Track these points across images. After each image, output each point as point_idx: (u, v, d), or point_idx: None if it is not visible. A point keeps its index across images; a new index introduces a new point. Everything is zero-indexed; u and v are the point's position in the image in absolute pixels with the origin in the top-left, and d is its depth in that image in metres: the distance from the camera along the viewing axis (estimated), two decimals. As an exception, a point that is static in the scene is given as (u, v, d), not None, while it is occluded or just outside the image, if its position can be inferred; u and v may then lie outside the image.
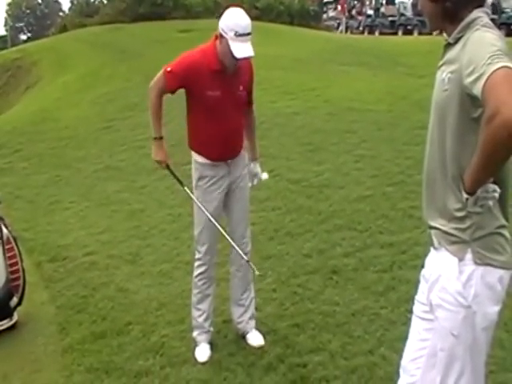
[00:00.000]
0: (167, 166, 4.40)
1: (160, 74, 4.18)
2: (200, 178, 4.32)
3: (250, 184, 4.56)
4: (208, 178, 4.29)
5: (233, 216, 4.45)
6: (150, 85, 4.22)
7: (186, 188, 4.38)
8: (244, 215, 4.51)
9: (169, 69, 4.11)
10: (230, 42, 3.93)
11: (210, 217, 4.26)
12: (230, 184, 4.36)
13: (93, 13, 30.37)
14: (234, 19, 3.98)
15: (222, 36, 3.98)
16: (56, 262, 6.43)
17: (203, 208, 4.26)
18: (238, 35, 3.92)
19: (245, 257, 4.37)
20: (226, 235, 4.36)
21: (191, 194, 4.35)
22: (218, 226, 4.31)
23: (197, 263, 4.48)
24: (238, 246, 4.37)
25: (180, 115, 7.92)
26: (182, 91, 4.18)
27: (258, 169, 4.61)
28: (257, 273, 4.35)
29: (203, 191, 4.31)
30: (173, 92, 4.19)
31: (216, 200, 4.31)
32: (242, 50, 3.94)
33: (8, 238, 5.09)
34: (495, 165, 2.23)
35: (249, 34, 3.97)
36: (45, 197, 8.97)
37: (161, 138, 4.31)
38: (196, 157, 4.33)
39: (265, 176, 4.67)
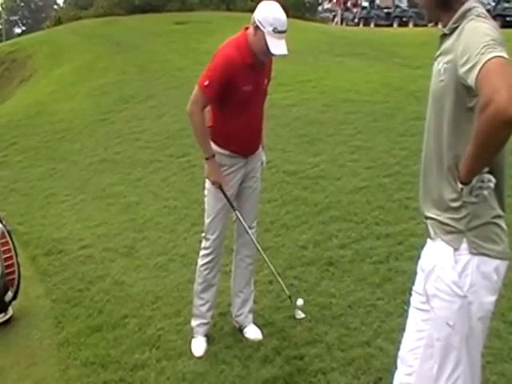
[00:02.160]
0: (220, 187, 4.25)
1: (196, 92, 4.04)
2: None
3: None
4: (226, 167, 4.26)
5: (244, 206, 4.43)
6: (188, 108, 4.08)
7: (237, 212, 4.34)
8: (254, 207, 4.53)
9: (206, 83, 3.98)
10: (268, 37, 3.86)
11: (239, 215, 4.31)
12: (245, 174, 4.35)
13: (88, 5, 30.30)
14: (274, 14, 3.90)
15: (257, 28, 3.90)
16: (51, 256, 6.41)
17: (241, 218, 4.31)
18: (277, 31, 3.86)
19: (274, 270, 4.60)
20: (246, 226, 4.37)
21: (241, 218, 4.33)
22: (241, 218, 4.34)
23: (203, 252, 4.43)
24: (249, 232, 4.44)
25: (175, 108, 7.91)
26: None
27: (264, 157, 4.59)
28: (298, 316, 4.59)
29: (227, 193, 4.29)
30: (214, 101, 4.11)
31: (232, 189, 4.29)
32: (278, 46, 3.88)
33: (3, 232, 5.07)
34: (489, 154, 2.22)
35: (285, 31, 3.92)
36: (40, 190, 8.95)
37: (213, 156, 4.19)
38: (215, 147, 4.25)
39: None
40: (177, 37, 18.52)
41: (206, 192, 4.39)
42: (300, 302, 4.61)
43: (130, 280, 5.64)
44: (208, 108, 4.19)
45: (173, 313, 4.96)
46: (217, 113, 4.22)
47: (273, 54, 3.94)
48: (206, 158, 4.19)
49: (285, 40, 3.93)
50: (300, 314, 4.58)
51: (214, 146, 4.25)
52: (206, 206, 4.41)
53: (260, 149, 4.44)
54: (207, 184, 4.34)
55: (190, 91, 4.17)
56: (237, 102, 4.10)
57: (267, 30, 3.86)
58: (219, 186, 4.23)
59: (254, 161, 4.39)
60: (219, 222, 4.36)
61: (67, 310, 5.20)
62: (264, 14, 3.90)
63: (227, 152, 4.24)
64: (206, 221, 4.41)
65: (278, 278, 4.62)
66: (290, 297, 4.56)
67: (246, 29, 4.05)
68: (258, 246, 4.48)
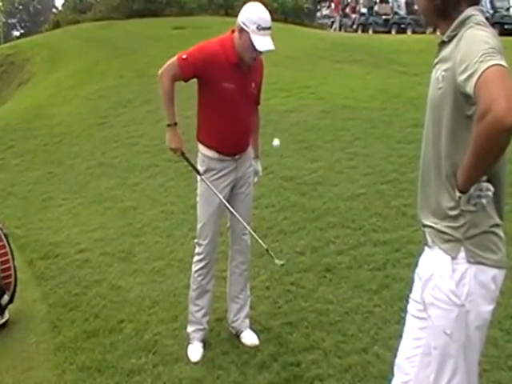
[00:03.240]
0: (182, 154, 4.30)
1: (173, 60, 4.10)
2: (206, 171, 4.29)
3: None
4: (215, 172, 4.27)
5: (237, 211, 4.41)
6: (160, 71, 4.14)
7: (203, 177, 4.30)
8: (247, 211, 4.51)
9: (184, 56, 4.05)
10: (252, 36, 3.91)
11: (223, 199, 4.25)
12: (235, 179, 4.35)
13: (86, 9, 30.23)
14: (256, 13, 3.97)
15: (242, 30, 3.96)
16: (48, 260, 6.40)
17: (217, 192, 4.23)
18: (261, 29, 3.91)
19: (264, 245, 4.39)
20: (241, 220, 4.33)
21: (207, 182, 4.27)
22: (233, 210, 4.31)
23: (196, 258, 4.45)
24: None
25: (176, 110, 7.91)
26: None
27: (259, 167, 4.63)
28: (277, 261, 4.32)
29: (209, 184, 4.29)
30: (186, 80, 4.14)
31: (222, 193, 4.28)
32: (263, 43, 3.93)
33: (0, 236, 5.07)
34: (487, 162, 2.23)
35: (270, 27, 3.97)
36: (37, 194, 8.93)
37: (175, 124, 4.22)
38: (204, 150, 4.30)
39: (276, 143, 4.74)
40: (175, 41, 18.46)
41: (197, 198, 4.40)
42: (276, 142, 4.62)
43: (127, 285, 5.63)
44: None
45: (169, 318, 4.95)
46: (201, 110, 4.28)
47: (259, 51, 3.97)
48: (168, 125, 4.23)
49: (270, 37, 3.97)
50: (279, 261, 4.40)
51: (202, 149, 4.30)
52: (198, 211, 4.42)
53: (249, 152, 4.44)
54: (199, 190, 4.36)
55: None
56: (218, 99, 4.14)
57: (251, 28, 3.92)
58: (182, 154, 4.28)
59: (244, 166, 4.39)
60: (211, 227, 4.36)
61: (64, 315, 5.19)
62: (246, 14, 3.98)
63: (216, 155, 4.25)
64: (198, 226, 4.42)
65: (253, 234, 4.45)
66: (267, 250, 4.41)
67: (233, 31, 4.09)
68: (255, 236, 4.40)
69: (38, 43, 23.78)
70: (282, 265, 4.63)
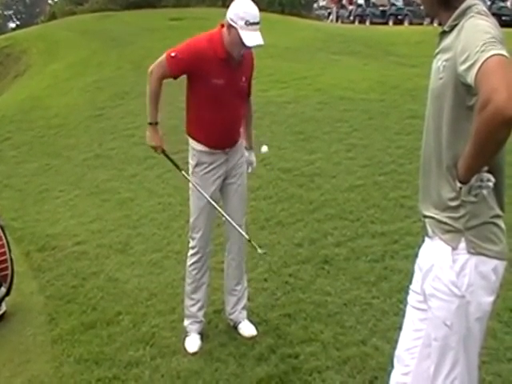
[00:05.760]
0: (163, 151, 4.34)
1: (162, 58, 4.09)
2: (197, 165, 4.29)
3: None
4: (205, 165, 4.26)
5: (230, 203, 4.42)
6: (150, 68, 4.12)
7: (183, 172, 4.32)
8: (241, 203, 4.50)
9: (173, 54, 4.03)
10: (241, 31, 3.87)
11: (210, 199, 4.24)
12: (227, 171, 4.34)
13: (82, 0, 30.10)
14: (244, 8, 3.92)
15: (230, 26, 3.92)
16: (45, 252, 6.39)
17: (202, 191, 4.22)
18: (249, 24, 3.87)
19: (246, 236, 4.36)
20: (226, 216, 4.32)
21: (189, 178, 4.29)
22: (217, 207, 4.29)
23: (191, 252, 4.44)
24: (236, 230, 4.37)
25: (170, 104, 7.87)
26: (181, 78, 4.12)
27: (253, 157, 4.61)
28: (259, 251, 4.28)
29: (200, 177, 4.28)
30: (175, 77, 4.13)
31: (213, 186, 4.28)
32: (252, 38, 3.90)
33: (-4, 228, 5.06)
34: (488, 153, 2.21)
35: (258, 22, 3.93)
36: (34, 186, 8.92)
37: (156, 123, 4.24)
38: (194, 144, 4.30)
39: (264, 149, 4.71)
40: (172, 33, 18.41)
41: (190, 191, 4.38)
42: (264, 148, 4.57)
43: (124, 277, 5.62)
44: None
45: (167, 310, 4.94)
46: (190, 105, 4.26)
47: (248, 47, 3.94)
48: (150, 123, 4.24)
49: (260, 32, 3.93)
50: (261, 250, 4.34)
51: (192, 142, 4.30)
52: (191, 204, 4.42)
53: (240, 144, 4.42)
54: (190, 184, 4.34)
55: (186, 88, 4.18)
56: (208, 95, 4.11)
57: (239, 24, 3.88)
58: (162, 151, 4.31)
59: (235, 157, 4.38)
60: (203, 220, 4.35)
61: (61, 307, 5.18)
62: (234, 10, 3.93)
63: (206, 148, 4.24)
64: (191, 219, 4.42)
65: (233, 223, 4.37)
66: (249, 240, 4.38)
67: (222, 26, 4.05)
68: (238, 228, 4.35)
69: (35, 35, 23.72)
70: (265, 253, 4.61)
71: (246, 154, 4.54)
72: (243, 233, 4.35)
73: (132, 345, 4.47)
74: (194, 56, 4.04)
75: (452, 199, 2.42)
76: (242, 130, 4.43)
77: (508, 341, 4.17)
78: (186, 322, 4.51)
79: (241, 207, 4.49)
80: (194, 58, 4.03)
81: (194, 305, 4.48)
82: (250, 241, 4.37)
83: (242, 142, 4.47)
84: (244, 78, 4.25)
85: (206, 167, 4.26)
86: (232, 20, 3.91)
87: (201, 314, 4.50)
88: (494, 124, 2.05)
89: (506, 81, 2.05)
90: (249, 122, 4.55)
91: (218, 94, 4.09)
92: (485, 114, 2.06)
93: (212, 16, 21.28)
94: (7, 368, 4.39)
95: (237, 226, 4.34)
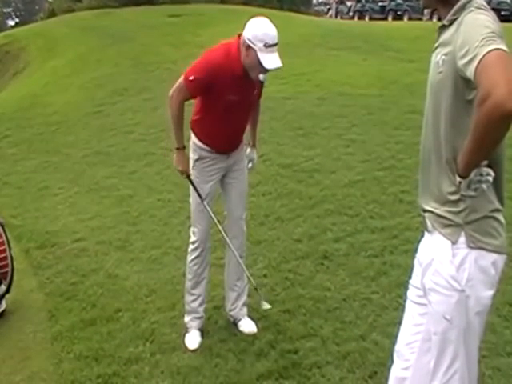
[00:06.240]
0: (188, 177, 4.31)
1: (181, 82, 4.04)
2: (198, 159, 4.30)
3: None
4: (206, 160, 4.28)
5: (231, 198, 4.44)
6: (170, 93, 4.10)
7: (205, 202, 4.29)
8: (242, 198, 4.51)
9: (191, 78, 3.97)
10: (260, 54, 3.82)
11: (212, 214, 4.30)
12: (227, 167, 4.36)
13: (81, -3, 30.15)
14: (263, 29, 3.87)
15: (249, 47, 3.87)
16: (45, 249, 6.38)
17: (208, 209, 4.28)
18: (268, 46, 3.83)
19: (253, 281, 4.46)
20: (227, 239, 4.41)
21: (208, 208, 4.29)
22: (220, 227, 4.38)
23: (191, 247, 4.45)
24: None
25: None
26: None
27: (255, 154, 4.62)
28: (264, 307, 4.35)
29: (200, 170, 4.29)
30: (195, 98, 4.15)
31: (213, 180, 4.31)
32: (271, 60, 3.86)
33: (-4, 225, 5.06)
34: (488, 147, 2.20)
35: (277, 44, 3.89)
36: (33, 183, 8.91)
37: (184, 147, 4.22)
38: (196, 140, 4.30)
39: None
40: (171, 29, 18.45)
41: (191, 187, 4.39)
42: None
43: (124, 273, 5.62)
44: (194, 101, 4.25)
45: (167, 306, 4.94)
46: (201, 113, 4.25)
47: (267, 70, 3.90)
48: (177, 148, 4.21)
49: (277, 53, 3.89)
50: (266, 305, 4.38)
51: (195, 138, 4.30)
52: (191, 199, 4.44)
53: (242, 145, 4.44)
54: (192, 177, 4.34)
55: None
56: (220, 109, 4.11)
57: (258, 46, 3.83)
58: (187, 176, 4.29)
59: (236, 154, 4.39)
60: (203, 215, 4.35)
61: (61, 304, 5.17)
62: (253, 31, 3.87)
63: (208, 148, 4.27)
64: (192, 215, 4.45)
65: (242, 265, 4.47)
66: (256, 289, 4.44)
67: (239, 36, 3.98)
68: (246, 271, 4.47)
69: (34, 32, 23.72)
70: (270, 309, 4.52)
71: (248, 150, 4.55)
72: (250, 277, 4.46)
73: (132, 341, 4.47)
74: (211, 73, 3.97)
75: (452, 193, 2.41)
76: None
77: (507, 335, 4.17)
78: (187, 318, 4.51)
79: (241, 203, 4.50)
80: (210, 76, 3.97)
81: (194, 300, 4.48)
82: (256, 289, 4.43)
83: (243, 139, 4.48)
84: (256, 91, 4.25)
85: (207, 161, 4.28)
86: (251, 41, 3.85)
87: (201, 309, 4.51)
88: (494, 118, 2.05)
89: (506, 75, 2.04)
90: (255, 121, 4.57)
91: (229, 109, 4.09)
92: (484, 108, 2.06)
93: (210, 12, 21.30)
94: (7, 365, 4.38)
95: (240, 261, 4.43)
